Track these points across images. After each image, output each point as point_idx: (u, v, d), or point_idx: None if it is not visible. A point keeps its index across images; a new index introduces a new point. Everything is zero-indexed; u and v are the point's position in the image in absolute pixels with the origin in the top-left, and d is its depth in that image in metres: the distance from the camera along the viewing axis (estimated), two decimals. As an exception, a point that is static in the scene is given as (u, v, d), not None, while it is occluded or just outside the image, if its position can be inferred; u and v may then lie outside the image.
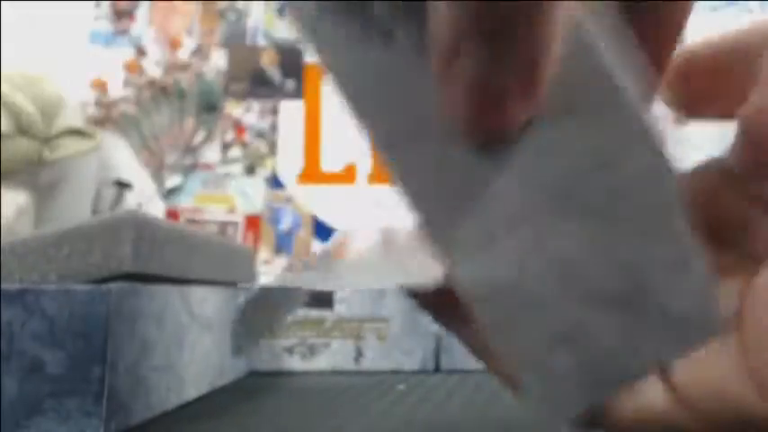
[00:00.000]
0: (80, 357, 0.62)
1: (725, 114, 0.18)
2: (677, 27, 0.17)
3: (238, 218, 1.58)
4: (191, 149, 1.61)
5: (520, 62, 0.13)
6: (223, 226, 1.57)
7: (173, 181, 1.59)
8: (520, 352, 0.16)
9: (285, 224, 1.57)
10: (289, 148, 1.61)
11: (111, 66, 1.62)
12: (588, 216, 0.14)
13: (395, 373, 1.13)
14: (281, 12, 1.67)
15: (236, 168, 1.61)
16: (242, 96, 1.64)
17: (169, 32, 1.66)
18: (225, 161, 1.61)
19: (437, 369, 1.17)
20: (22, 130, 1.29)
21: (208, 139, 1.62)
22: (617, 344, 0.15)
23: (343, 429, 0.67)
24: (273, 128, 1.62)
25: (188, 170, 1.60)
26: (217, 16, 1.67)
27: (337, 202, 1.56)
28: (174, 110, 1.62)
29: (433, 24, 0.13)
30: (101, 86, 1.60)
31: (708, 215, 0.18)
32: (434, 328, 1.18)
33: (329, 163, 1.59)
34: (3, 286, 0.62)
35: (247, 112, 1.63)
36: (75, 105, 1.53)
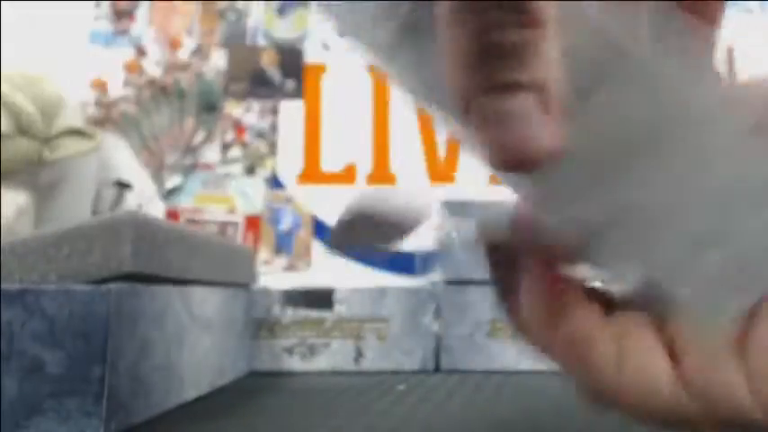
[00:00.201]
0: (80, 357, 0.62)
1: None
2: None
3: (238, 218, 1.58)
4: (191, 149, 1.61)
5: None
6: (223, 226, 1.57)
7: (173, 181, 1.59)
8: (663, 267, 0.16)
9: (285, 224, 1.57)
10: (289, 149, 1.61)
11: (111, 66, 1.62)
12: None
13: (395, 373, 1.13)
14: (280, 12, 1.68)
15: (236, 168, 1.61)
16: (242, 96, 1.64)
17: (169, 32, 1.66)
18: (225, 161, 1.61)
19: (437, 369, 1.17)
20: (22, 130, 1.29)
21: (208, 139, 1.62)
22: (759, 237, 0.15)
23: (343, 429, 0.67)
24: (273, 128, 1.62)
25: (188, 170, 1.60)
26: (217, 16, 1.67)
27: (337, 202, 1.56)
28: (174, 110, 1.62)
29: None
30: (101, 86, 1.60)
31: None
32: (434, 327, 1.18)
33: (329, 163, 1.59)
34: (3, 286, 0.62)
35: (247, 113, 1.63)
36: (75, 105, 1.53)
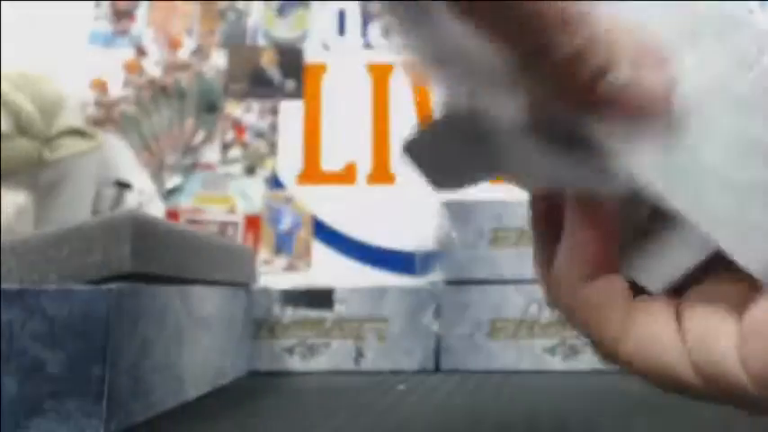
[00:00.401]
0: (80, 357, 0.62)
1: None
2: None
3: (238, 218, 1.58)
4: (191, 149, 1.61)
5: None
6: (223, 226, 1.57)
7: (173, 181, 1.59)
8: (708, 216, 0.17)
9: (285, 224, 1.57)
10: (289, 149, 1.61)
11: (111, 66, 1.62)
12: None
13: (395, 373, 1.13)
14: (280, 12, 1.68)
15: (236, 168, 1.61)
16: (242, 96, 1.64)
17: (169, 32, 1.66)
18: (225, 161, 1.61)
19: (437, 369, 1.17)
20: (22, 130, 1.29)
21: (208, 139, 1.62)
22: None
23: (343, 429, 0.67)
24: (273, 128, 1.62)
25: (188, 170, 1.60)
26: (217, 16, 1.67)
27: (337, 202, 1.56)
28: (174, 110, 1.61)
29: None
30: (101, 86, 1.60)
31: None
32: (434, 327, 1.18)
33: (329, 163, 1.59)
34: (3, 286, 0.62)
35: (247, 113, 1.63)
36: (75, 105, 1.53)
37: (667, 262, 0.20)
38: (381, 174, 1.57)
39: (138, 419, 0.68)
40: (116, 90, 1.61)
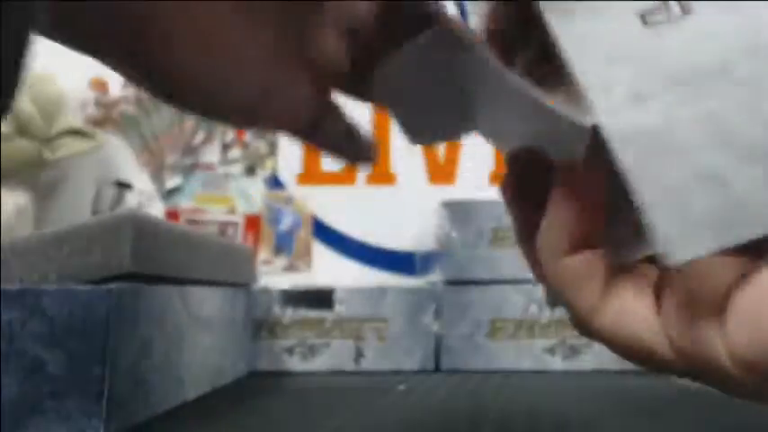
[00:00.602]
0: (80, 357, 0.62)
1: None
2: None
3: (238, 218, 1.58)
4: (191, 150, 1.61)
5: None
6: (223, 226, 1.57)
7: (173, 181, 1.59)
8: (654, 193, 0.17)
9: (285, 224, 1.57)
10: (288, 149, 1.61)
11: (111, 66, 1.62)
12: (740, 84, 0.17)
13: (395, 373, 1.13)
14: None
15: (236, 169, 1.61)
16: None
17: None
18: (225, 161, 1.61)
19: (437, 369, 1.17)
20: (22, 130, 1.29)
21: (207, 139, 1.62)
22: (753, 194, 0.16)
23: (343, 429, 0.67)
24: (273, 128, 1.62)
25: (188, 170, 1.60)
26: (217, 16, 1.67)
27: (337, 202, 1.56)
28: (174, 110, 1.61)
29: None
30: (101, 86, 1.60)
31: None
32: (434, 327, 1.18)
33: (329, 163, 1.59)
34: (3, 286, 0.62)
35: (247, 113, 1.63)
36: (75, 105, 1.53)
37: (639, 236, 0.20)
38: (381, 174, 1.57)
39: (138, 419, 0.68)
40: (116, 90, 1.61)
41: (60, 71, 1.34)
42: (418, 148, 1.58)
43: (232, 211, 1.58)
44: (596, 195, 0.20)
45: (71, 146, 1.38)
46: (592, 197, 0.20)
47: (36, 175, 1.36)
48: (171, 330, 0.77)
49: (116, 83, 1.62)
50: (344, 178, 1.58)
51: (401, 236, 1.49)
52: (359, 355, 1.17)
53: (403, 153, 1.58)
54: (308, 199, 1.57)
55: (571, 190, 0.20)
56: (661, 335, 0.19)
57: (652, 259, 0.22)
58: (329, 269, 1.52)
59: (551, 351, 1.15)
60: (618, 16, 0.18)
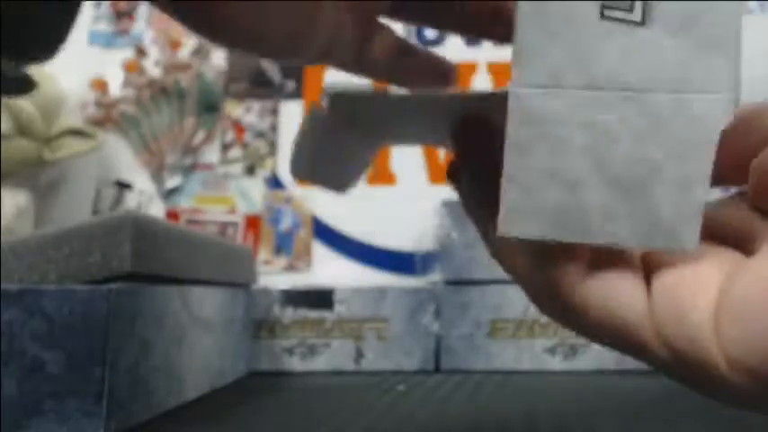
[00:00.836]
0: (80, 357, 0.62)
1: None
2: None
3: (238, 218, 1.58)
4: (191, 150, 1.61)
5: None
6: (223, 226, 1.57)
7: (173, 181, 1.59)
8: (526, 173, 0.18)
9: (285, 224, 1.57)
10: (289, 149, 1.61)
11: (111, 66, 1.62)
12: (645, 116, 0.17)
13: (395, 373, 1.13)
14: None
15: (236, 169, 1.61)
16: (242, 97, 1.64)
17: (169, 33, 1.66)
18: (225, 161, 1.61)
19: (437, 369, 1.17)
20: (23, 130, 1.29)
21: (208, 139, 1.62)
22: (598, 209, 0.18)
23: (343, 429, 0.67)
24: (273, 128, 1.62)
25: (188, 170, 1.60)
26: (217, 16, 1.67)
27: (337, 202, 1.56)
28: (174, 110, 1.61)
29: None
30: (101, 87, 1.60)
31: (718, 223, 0.19)
32: (434, 327, 1.18)
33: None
34: (3, 286, 0.62)
35: (247, 113, 1.63)
36: (75, 105, 1.53)
37: None
38: (381, 174, 1.57)
39: (139, 420, 0.68)
40: (116, 90, 1.61)
41: (60, 71, 1.34)
42: (418, 148, 1.58)
43: (232, 211, 1.58)
44: None
45: (71, 146, 1.38)
46: None
47: (36, 175, 1.36)
48: (171, 330, 0.77)
49: (116, 83, 1.61)
50: (344, 178, 1.58)
51: (401, 236, 1.49)
52: (359, 355, 1.17)
53: (403, 153, 1.58)
54: (308, 199, 1.57)
55: None
56: (644, 317, 0.18)
57: None
58: (329, 269, 1.52)
59: (551, 351, 1.15)
60: None
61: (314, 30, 0.29)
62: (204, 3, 0.27)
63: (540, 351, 1.15)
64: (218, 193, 1.59)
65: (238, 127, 1.62)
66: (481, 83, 1.55)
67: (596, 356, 1.13)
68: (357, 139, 0.29)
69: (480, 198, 0.23)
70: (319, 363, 1.16)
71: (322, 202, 1.56)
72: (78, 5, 0.24)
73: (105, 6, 1.66)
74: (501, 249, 0.21)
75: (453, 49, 1.45)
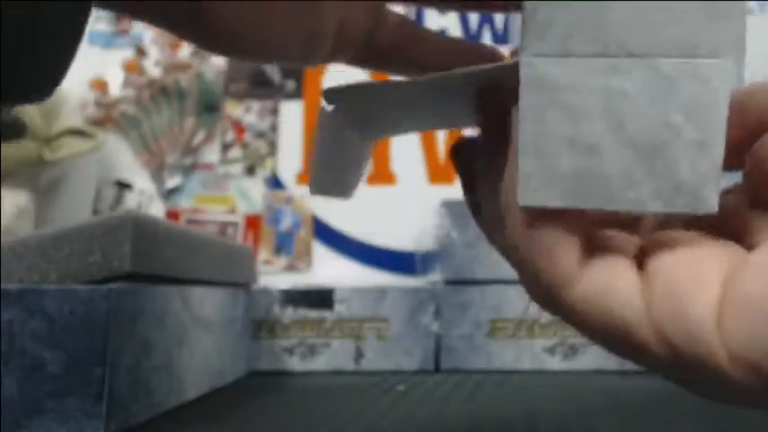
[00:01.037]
0: (80, 357, 0.62)
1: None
2: None
3: (238, 218, 1.58)
4: (191, 150, 1.61)
5: None
6: (223, 226, 1.57)
7: (173, 181, 1.59)
8: (542, 141, 0.18)
9: (285, 224, 1.57)
10: (289, 149, 1.61)
11: (111, 66, 1.62)
12: (659, 78, 0.17)
13: (395, 373, 1.13)
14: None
15: (236, 169, 1.61)
16: (242, 97, 1.64)
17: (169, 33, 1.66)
18: (225, 161, 1.61)
19: (437, 369, 1.17)
20: (23, 130, 1.29)
21: (208, 139, 1.62)
22: (618, 174, 0.17)
23: (343, 429, 0.67)
24: (273, 128, 1.62)
25: (188, 170, 1.60)
26: (217, 16, 1.66)
27: (337, 202, 1.56)
28: (174, 110, 1.62)
29: None
30: (101, 87, 1.60)
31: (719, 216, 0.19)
32: (434, 327, 1.18)
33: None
34: (3, 286, 0.62)
35: (247, 113, 1.63)
36: (76, 105, 1.53)
37: None
38: (381, 174, 1.57)
39: (139, 419, 0.68)
40: (116, 90, 1.61)
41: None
42: (418, 148, 1.58)
43: (232, 211, 1.58)
44: None
45: (71, 146, 1.39)
46: None
47: (36, 174, 1.36)
48: (171, 330, 0.77)
49: (116, 83, 1.62)
50: (344, 178, 1.58)
51: (401, 236, 1.49)
52: (359, 354, 1.17)
53: (403, 153, 1.58)
54: (308, 199, 1.57)
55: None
56: (642, 315, 0.17)
57: (632, 229, 0.21)
58: (329, 269, 1.52)
59: (551, 351, 1.15)
60: None
61: (320, 26, 0.28)
62: (198, 12, 0.26)
63: (540, 351, 1.16)
64: (218, 193, 1.60)
65: (238, 127, 1.62)
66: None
67: (596, 356, 1.13)
68: (358, 136, 0.29)
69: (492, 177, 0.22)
70: (319, 362, 1.16)
71: (322, 203, 1.56)
72: (76, 46, 0.24)
73: (105, 6, 1.65)
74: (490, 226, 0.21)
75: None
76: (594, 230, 0.20)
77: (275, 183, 1.59)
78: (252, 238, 1.56)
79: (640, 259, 0.19)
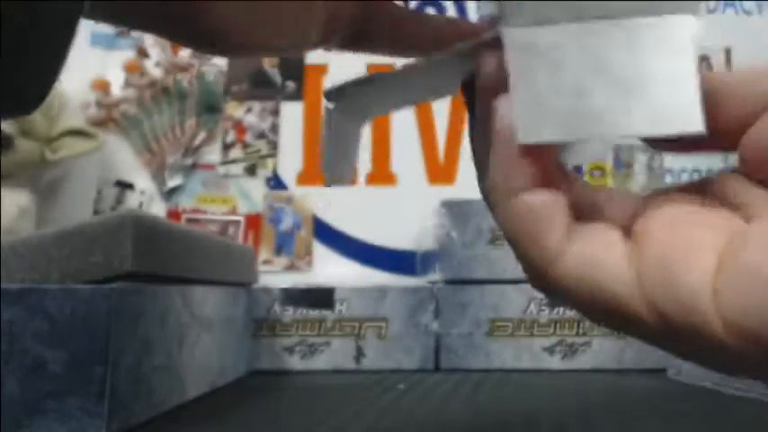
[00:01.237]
0: (82, 357, 0.62)
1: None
2: None
3: (239, 218, 1.58)
4: (192, 150, 1.61)
5: None
6: (224, 226, 1.58)
7: (174, 181, 1.59)
8: (533, 93, 0.19)
9: (285, 224, 1.57)
10: (289, 149, 1.61)
11: (113, 67, 1.62)
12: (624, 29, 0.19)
13: (395, 371, 1.13)
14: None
15: (237, 169, 1.61)
16: (243, 97, 1.64)
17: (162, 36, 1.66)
18: (226, 162, 1.61)
19: (437, 368, 1.17)
20: (24, 130, 1.29)
21: (209, 139, 1.62)
22: (608, 107, 0.19)
23: (344, 428, 0.67)
24: (274, 128, 1.63)
25: (189, 170, 1.61)
26: (217, 17, 1.67)
27: (337, 202, 1.56)
28: (175, 111, 1.62)
29: None
30: (102, 87, 1.61)
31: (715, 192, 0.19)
32: (434, 327, 1.18)
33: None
34: (4, 286, 0.63)
35: (248, 113, 1.63)
36: (77, 106, 1.53)
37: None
38: (381, 174, 1.57)
39: (140, 419, 0.69)
40: (117, 91, 1.62)
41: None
42: (418, 149, 1.58)
43: (233, 210, 1.59)
44: None
45: (72, 146, 1.39)
46: None
47: (38, 175, 1.37)
48: (172, 330, 0.77)
49: (117, 84, 1.62)
50: (345, 178, 1.58)
51: (401, 236, 1.49)
52: (359, 354, 1.17)
53: (403, 153, 1.58)
54: (308, 199, 1.57)
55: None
56: (633, 287, 0.17)
57: (620, 204, 0.21)
58: (330, 269, 1.52)
59: (550, 350, 1.16)
60: None
61: (310, 22, 0.29)
62: (192, 11, 0.26)
63: (539, 350, 1.16)
64: (218, 193, 1.60)
65: (239, 127, 1.62)
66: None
67: (595, 356, 1.13)
68: (356, 125, 0.30)
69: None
70: (320, 361, 1.16)
71: (322, 202, 1.56)
72: (61, 63, 0.23)
73: (106, 7, 1.66)
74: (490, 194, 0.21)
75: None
76: (582, 199, 0.20)
77: (276, 183, 1.59)
78: (252, 237, 1.56)
79: (628, 229, 0.18)
